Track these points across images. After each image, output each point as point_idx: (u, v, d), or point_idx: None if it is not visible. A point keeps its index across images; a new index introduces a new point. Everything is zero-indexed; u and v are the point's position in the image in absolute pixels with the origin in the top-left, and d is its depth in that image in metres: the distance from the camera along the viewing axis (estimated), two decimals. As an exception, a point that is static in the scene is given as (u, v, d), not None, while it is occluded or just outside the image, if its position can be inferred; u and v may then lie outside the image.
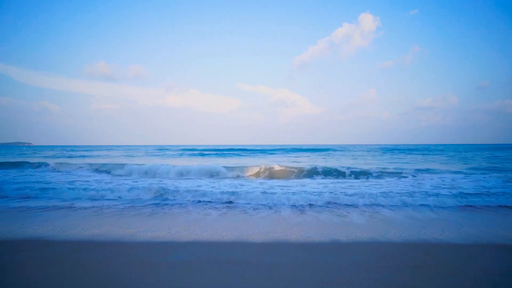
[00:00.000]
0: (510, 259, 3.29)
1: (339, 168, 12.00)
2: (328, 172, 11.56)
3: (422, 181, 9.65)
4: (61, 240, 3.90)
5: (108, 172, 12.72)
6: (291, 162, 17.81)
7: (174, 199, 6.89)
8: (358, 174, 11.13)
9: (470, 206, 6.12)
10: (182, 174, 11.55)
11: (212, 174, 11.44)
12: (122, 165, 13.12)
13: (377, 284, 2.62)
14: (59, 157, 26.43)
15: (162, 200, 6.86)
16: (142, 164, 12.99)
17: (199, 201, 6.65)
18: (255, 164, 14.51)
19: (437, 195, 6.92)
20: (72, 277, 2.75)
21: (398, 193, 7.15)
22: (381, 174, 11.15)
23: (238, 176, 11.34)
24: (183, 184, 8.92)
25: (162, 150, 40.28)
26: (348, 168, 12.15)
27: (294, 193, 7.05)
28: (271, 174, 11.89)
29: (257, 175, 11.92)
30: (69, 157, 26.40)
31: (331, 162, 18.31)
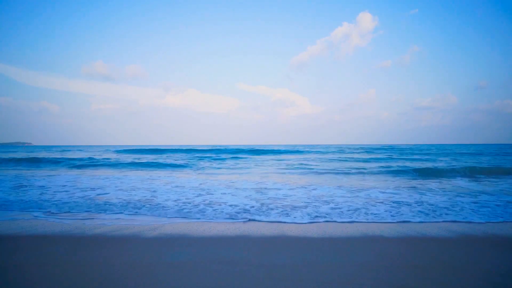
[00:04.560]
0: (510, 259, 3.29)
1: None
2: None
3: None
4: (60, 239, 3.90)
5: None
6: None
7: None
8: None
9: None
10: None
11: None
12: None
13: (377, 284, 2.62)
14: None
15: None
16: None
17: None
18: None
19: None
20: (71, 277, 2.75)
21: None
22: None
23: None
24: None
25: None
26: None
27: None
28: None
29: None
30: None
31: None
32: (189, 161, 21.06)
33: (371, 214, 5.34)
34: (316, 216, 5.18)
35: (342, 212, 5.48)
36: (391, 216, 5.20)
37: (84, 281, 2.66)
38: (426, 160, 21.68)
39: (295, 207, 5.92)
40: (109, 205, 6.12)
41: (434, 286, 2.60)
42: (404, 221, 4.89)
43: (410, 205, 6.11)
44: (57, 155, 27.99)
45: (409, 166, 15.35)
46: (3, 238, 4.01)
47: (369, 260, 3.21)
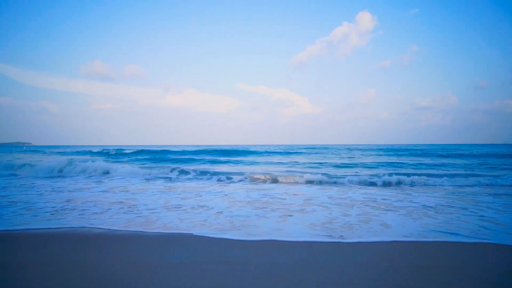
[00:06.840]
0: (510, 259, 3.29)
1: None
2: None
3: None
4: (59, 239, 3.89)
5: None
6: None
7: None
8: None
9: None
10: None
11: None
12: None
13: (377, 284, 2.62)
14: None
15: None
16: None
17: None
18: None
19: None
20: (71, 277, 2.75)
21: None
22: None
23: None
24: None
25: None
26: None
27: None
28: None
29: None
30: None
31: None
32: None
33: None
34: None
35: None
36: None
37: (84, 281, 2.66)
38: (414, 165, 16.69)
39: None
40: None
41: (434, 286, 2.60)
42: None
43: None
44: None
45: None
46: (3, 237, 4.01)
47: (369, 260, 3.20)
